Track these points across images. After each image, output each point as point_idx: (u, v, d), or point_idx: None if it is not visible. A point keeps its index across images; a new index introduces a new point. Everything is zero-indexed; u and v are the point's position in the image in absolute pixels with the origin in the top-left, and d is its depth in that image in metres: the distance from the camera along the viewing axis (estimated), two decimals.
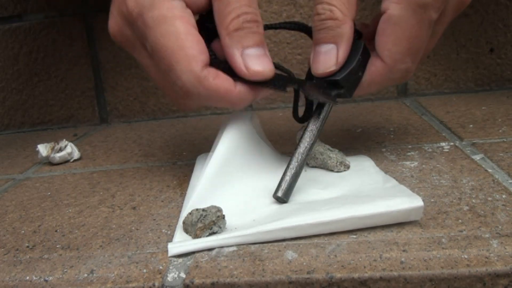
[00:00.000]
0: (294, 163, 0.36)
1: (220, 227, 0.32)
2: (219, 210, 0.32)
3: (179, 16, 0.35)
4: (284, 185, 0.35)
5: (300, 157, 0.36)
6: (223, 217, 0.32)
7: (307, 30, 0.40)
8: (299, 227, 0.30)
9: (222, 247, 0.30)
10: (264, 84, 0.35)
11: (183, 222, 0.32)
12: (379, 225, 0.31)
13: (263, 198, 0.36)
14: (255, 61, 0.35)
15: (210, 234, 0.31)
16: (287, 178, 0.35)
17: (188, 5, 0.36)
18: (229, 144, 0.38)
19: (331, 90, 0.36)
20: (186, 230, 0.32)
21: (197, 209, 0.32)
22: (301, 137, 0.37)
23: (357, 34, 0.38)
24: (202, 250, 0.30)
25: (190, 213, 0.32)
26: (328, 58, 0.36)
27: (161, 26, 0.34)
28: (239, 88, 0.35)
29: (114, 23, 0.38)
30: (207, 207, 0.32)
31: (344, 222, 0.30)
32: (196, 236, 0.31)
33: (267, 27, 0.38)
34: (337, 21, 0.35)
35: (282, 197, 0.35)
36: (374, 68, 0.37)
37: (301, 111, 0.41)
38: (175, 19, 0.34)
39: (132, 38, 0.37)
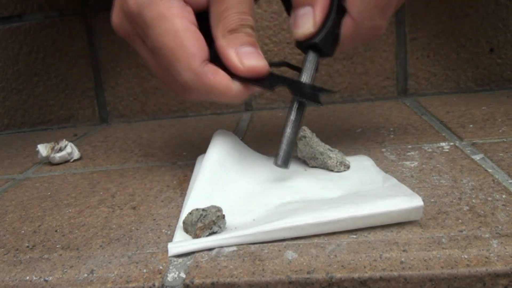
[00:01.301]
0: (288, 130, 0.37)
1: (220, 227, 0.32)
2: (219, 210, 0.32)
3: (177, 13, 0.35)
4: (281, 153, 0.37)
5: (292, 125, 0.37)
6: (223, 217, 0.32)
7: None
8: (299, 227, 0.30)
9: (222, 247, 0.30)
10: (256, 82, 0.36)
11: (183, 222, 0.32)
12: (379, 225, 0.31)
13: (263, 197, 0.36)
14: (250, 57, 0.36)
15: (210, 234, 0.31)
16: (284, 146, 0.37)
17: (187, 3, 0.36)
18: (223, 146, 0.40)
19: (320, 93, 0.37)
20: (186, 230, 0.32)
21: (197, 209, 0.32)
22: (290, 104, 0.38)
23: None
24: (202, 250, 0.30)
25: (190, 213, 0.32)
26: (306, 20, 0.37)
27: (160, 25, 0.35)
28: (236, 85, 0.36)
29: (116, 17, 0.39)
30: (207, 207, 0.32)
31: (344, 222, 0.30)
32: (196, 236, 0.31)
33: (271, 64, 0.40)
34: None
35: (281, 165, 0.37)
36: (345, 25, 0.38)
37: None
38: (174, 17, 0.35)
39: (132, 34, 0.38)
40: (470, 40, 0.64)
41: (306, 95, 0.36)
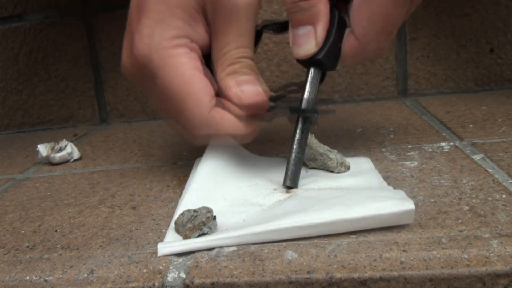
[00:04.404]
0: (295, 149, 0.37)
1: (211, 228, 0.31)
2: (209, 211, 0.32)
3: (183, 62, 0.36)
4: (290, 173, 0.36)
5: (298, 144, 0.37)
6: (214, 218, 0.32)
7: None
8: (288, 229, 0.30)
9: (221, 247, 0.30)
10: (257, 117, 0.37)
11: (175, 223, 0.33)
12: (370, 228, 0.30)
13: (257, 198, 0.36)
14: (249, 84, 0.36)
15: (200, 235, 0.31)
16: (291, 166, 0.37)
17: (192, 49, 0.37)
18: (220, 148, 0.40)
19: (318, 114, 0.37)
20: (177, 231, 0.32)
21: (188, 210, 0.32)
22: (295, 124, 0.38)
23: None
24: (191, 250, 0.30)
25: (182, 214, 0.32)
26: (308, 40, 0.36)
27: (167, 75, 0.36)
28: (242, 124, 0.37)
29: (126, 61, 0.39)
30: (198, 208, 0.32)
31: (333, 225, 0.30)
32: (186, 237, 0.31)
33: (272, 98, 0.40)
34: (310, 1, 0.35)
35: (290, 185, 0.36)
36: (348, 43, 0.37)
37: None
38: (180, 65, 0.36)
39: (141, 80, 0.39)
40: (470, 40, 0.64)
41: (303, 112, 0.36)
